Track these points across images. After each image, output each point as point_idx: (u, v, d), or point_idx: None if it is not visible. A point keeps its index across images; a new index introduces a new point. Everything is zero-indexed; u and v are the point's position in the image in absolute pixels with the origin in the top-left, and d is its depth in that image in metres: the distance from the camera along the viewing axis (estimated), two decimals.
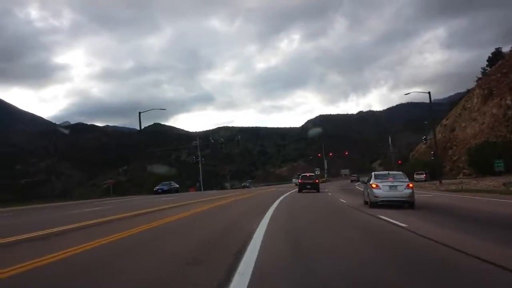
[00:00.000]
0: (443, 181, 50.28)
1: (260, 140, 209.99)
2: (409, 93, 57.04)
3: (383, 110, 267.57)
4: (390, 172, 21.62)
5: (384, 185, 18.66)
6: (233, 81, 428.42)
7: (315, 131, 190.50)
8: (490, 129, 69.10)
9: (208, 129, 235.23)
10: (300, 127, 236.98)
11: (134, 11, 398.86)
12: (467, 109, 76.57)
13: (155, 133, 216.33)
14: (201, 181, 78.27)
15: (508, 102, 66.76)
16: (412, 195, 18.48)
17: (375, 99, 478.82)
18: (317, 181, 43.13)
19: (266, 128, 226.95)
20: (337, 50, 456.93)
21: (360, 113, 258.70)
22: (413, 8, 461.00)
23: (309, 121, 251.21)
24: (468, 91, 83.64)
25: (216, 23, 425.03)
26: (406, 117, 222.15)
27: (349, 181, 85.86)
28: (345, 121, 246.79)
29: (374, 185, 18.88)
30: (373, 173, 21.34)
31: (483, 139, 69.49)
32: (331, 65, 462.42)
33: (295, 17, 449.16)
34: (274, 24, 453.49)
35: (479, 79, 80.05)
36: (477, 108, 74.78)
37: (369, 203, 19.37)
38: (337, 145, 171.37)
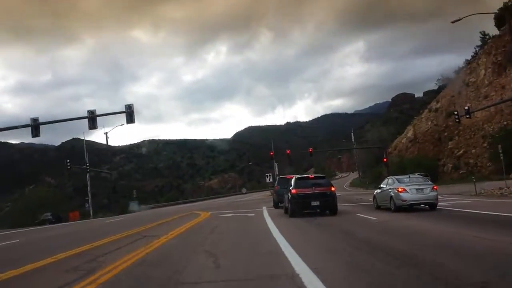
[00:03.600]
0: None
1: (189, 153, 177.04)
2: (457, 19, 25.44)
3: (309, 121, 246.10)
4: (411, 176, 19.94)
5: (411, 188, 17.28)
6: (159, 94, 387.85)
7: None
8: None
9: (132, 142, 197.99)
10: (230, 138, 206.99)
11: (51, 20, 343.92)
12: (471, 84, 48.35)
13: (73, 148, 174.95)
14: (90, 202, 43.68)
15: None
16: (437, 197, 17.88)
17: (301, 110, 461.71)
18: (333, 189, 18.26)
19: (194, 140, 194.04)
20: (263, 63, 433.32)
21: (288, 124, 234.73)
22: (333, 23, 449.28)
23: (237, 133, 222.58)
24: (468, 61, 55.68)
25: (140, 34, 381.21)
26: (331, 127, 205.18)
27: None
28: (273, 132, 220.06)
29: (400, 189, 17.35)
30: (392, 178, 19.95)
31: (505, 122, 41.43)
32: (258, 77, 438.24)
33: (221, 29, 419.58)
34: (200, 36, 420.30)
35: (483, 45, 52.29)
36: (488, 82, 46.65)
37: (392, 208, 17.60)
38: (266, 156, 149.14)
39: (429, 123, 56.94)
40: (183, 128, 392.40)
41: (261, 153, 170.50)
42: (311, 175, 19.26)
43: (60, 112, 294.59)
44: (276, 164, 57.25)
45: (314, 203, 17.22)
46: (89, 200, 47.85)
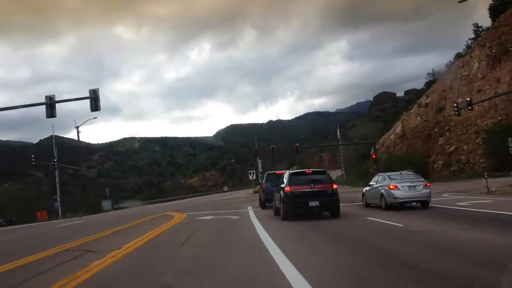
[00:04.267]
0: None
1: (169, 150, 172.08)
2: None
3: (292, 119, 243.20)
4: (402, 172, 17.92)
5: (404, 185, 16.11)
6: (141, 91, 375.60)
7: None
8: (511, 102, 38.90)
9: (113, 140, 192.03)
10: (212, 136, 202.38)
11: (30, 16, 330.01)
12: (463, 78, 45.72)
13: (51, 146, 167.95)
14: (59, 200, 39.51)
15: None
16: (430, 194, 16.31)
17: (284, 109, 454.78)
18: (335, 186, 14.88)
19: (176, 138, 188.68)
20: (246, 61, 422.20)
21: (270, 122, 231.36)
22: (317, 21, 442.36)
23: (220, 131, 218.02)
24: (459, 55, 52.91)
25: (122, 30, 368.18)
26: (313, 125, 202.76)
27: None
28: (255, 130, 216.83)
29: (392, 186, 16.17)
30: (382, 174, 18.43)
31: (499, 118, 38.90)
32: (241, 75, 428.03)
33: (205, 26, 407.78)
34: (183, 33, 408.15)
35: (476, 37, 49.61)
36: (481, 75, 43.99)
37: (383, 206, 16.41)
38: (248, 154, 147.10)
39: (419, 118, 54.03)
40: (165, 126, 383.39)
41: (243, 151, 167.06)
42: (309, 170, 15.58)
43: (39, 109, 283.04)
44: (260, 161, 53.48)
45: (313, 204, 13.66)
46: (58, 199, 43.42)
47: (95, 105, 21.02)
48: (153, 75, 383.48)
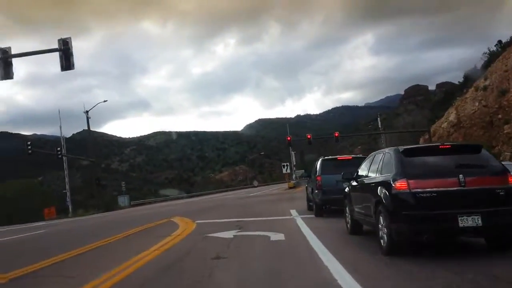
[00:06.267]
0: None
1: (199, 145, 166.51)
2: None
3: (320, 114, 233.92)
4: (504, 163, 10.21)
5: None
6: (169, 86, 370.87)
7: None
8: None
9: (143, 134, 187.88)
10: (240, 131, 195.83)
11: (60, 12, 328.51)
12: None
13: (83, 140, 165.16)
14: (69, 195, 32.93)
15: None
16: None
17: (311, 103, 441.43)
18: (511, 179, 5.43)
19: (205, 132, 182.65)
20: (272, 55, 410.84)
21: (298, 116, 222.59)
22: (342, 15, 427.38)
23: (248, 125, 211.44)
24: None
25: (149, 26, 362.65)
26: (341, 119, 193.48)
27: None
28: (283, 124, 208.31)
29: None
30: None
31: None
32: (267, 70, 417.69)
33: (230, 21, 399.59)
34: (209, 28, 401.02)
35: None
36: None
37: None
38: (277, 148, 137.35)
39: (477, 104, 44.81)
40: (193, 121, 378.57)
41: (272, 145, 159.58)
42: (445, 144, 6.63)
43: (71, 103, 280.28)
44: (293, 153, 45.65)
45: (468, 221, 5.42)
46: (68, 194, 36.92)
47: (66, 63, 13.79)
48: (180, 70, 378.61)
